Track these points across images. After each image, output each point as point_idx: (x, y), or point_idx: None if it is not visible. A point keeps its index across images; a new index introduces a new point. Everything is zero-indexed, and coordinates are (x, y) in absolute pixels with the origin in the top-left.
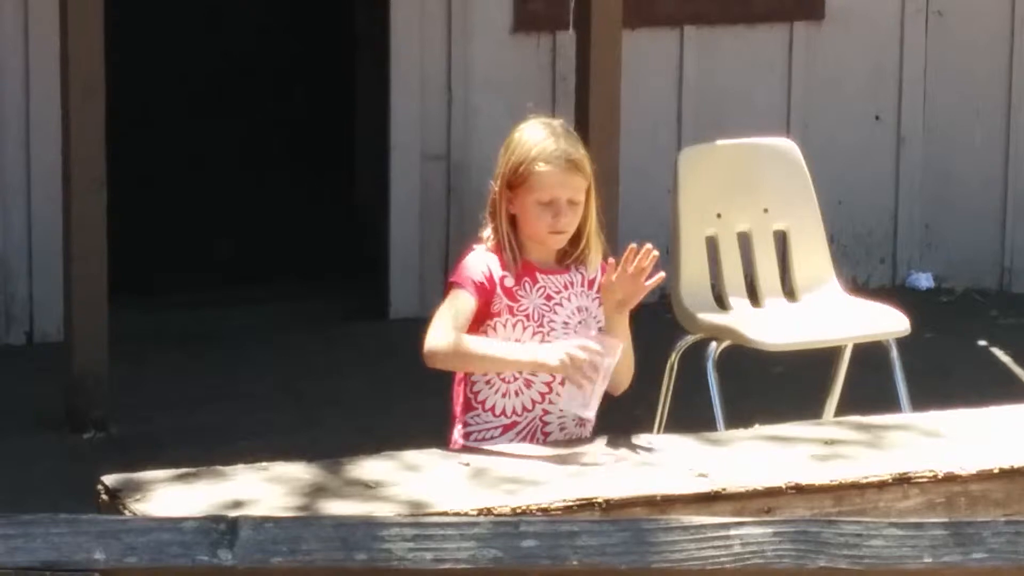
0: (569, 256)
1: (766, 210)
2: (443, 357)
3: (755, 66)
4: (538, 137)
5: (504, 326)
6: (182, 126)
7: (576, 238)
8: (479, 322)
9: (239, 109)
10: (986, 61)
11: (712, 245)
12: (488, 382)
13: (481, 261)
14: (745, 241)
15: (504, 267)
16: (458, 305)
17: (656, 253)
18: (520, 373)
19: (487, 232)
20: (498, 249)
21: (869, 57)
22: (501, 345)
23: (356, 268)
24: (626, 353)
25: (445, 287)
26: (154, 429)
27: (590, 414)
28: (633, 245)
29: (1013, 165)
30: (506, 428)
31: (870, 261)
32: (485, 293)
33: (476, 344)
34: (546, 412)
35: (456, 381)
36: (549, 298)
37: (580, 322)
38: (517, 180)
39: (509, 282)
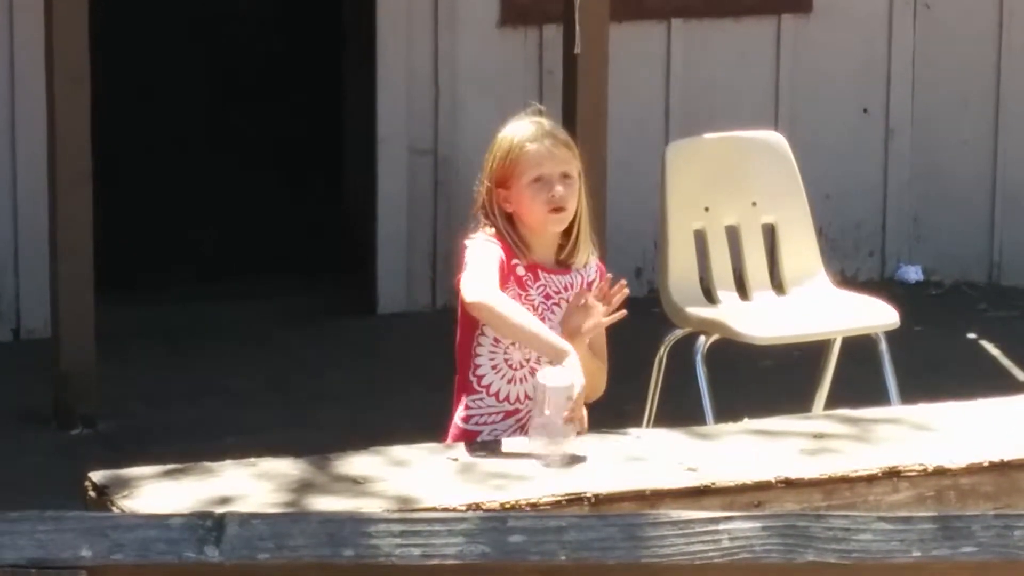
0: (563, 251)
1: (754, 203)
2: (487, 313)
3: (743, 59)
4: (522, 125)
5: None
6: (168, 121)
7: (568, 231)
8: None
9: (226, 104)
10: (974, 53)
11: (700, 239)
12: (494, 367)
13: (494, 244)
14: (733, 234)
15: (512, 256)
16: (490, 255)
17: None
18: (527, 361)
19: (487, 231)
20: (501, 238)
21: (857, 50)
22: (534, 323)
23: (344, 263)
24: (596, 362)
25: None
26: (142, 425)
27: (561, 447)
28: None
29: (1002, 158)
30: (508, 414)
31: (859, 254)
32: (505, 262)
33: (514, 312)
34: None
35: (459, 366)
36: (548, 297)
37: None
38: (508, 171)
39: (521, 270)
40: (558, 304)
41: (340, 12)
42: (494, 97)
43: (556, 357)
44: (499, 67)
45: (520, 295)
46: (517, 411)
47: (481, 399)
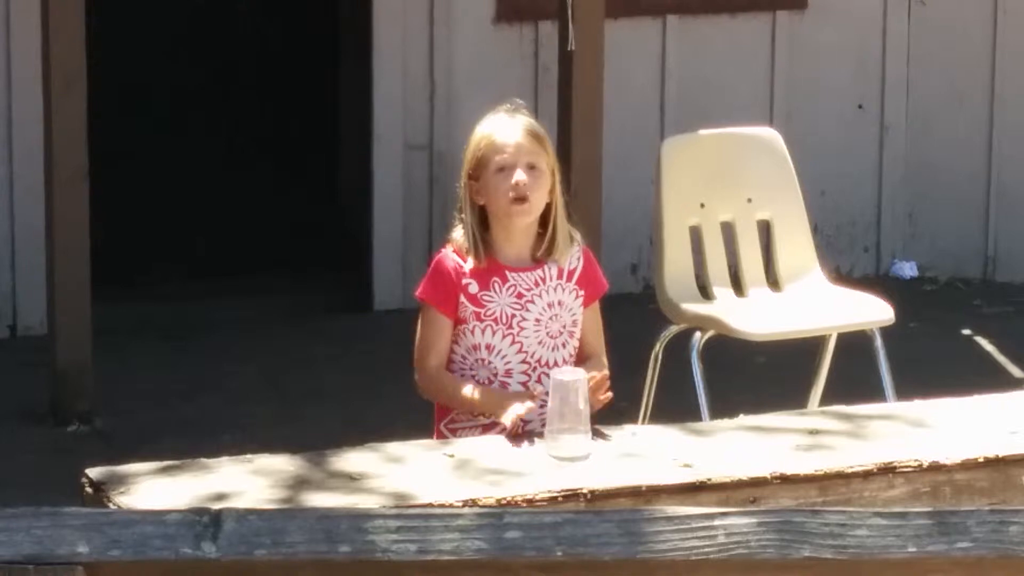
0: (539, 248)
1: (750, 200)
2: (430, 393)
3: (738, 56)
4: (494, 117)
5: (472, 332)
6: (163, 117)
7: (544, 225)
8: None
9: (222, 99)
10: (969, 50)
11: (696, 235)
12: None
13: (446, 269)
14: (729, 231)
15: (470, 271)
16: (433, 329)
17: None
18: (495, 376)
19: (456, 233)
20: (464, 250)
21: (852, 46)
22: (472, 393)
23: (340, 260)
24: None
25: (417, 296)
26: (138, 422)
27: (586, 449)
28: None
29: (996, 154)
30: (486, 429)
31: (854, 250)
32: (453, 302)
33: (453, 387)
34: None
35: None
36: (520, 296)
37: (551, 318)
38: (478, 162)
39: (473, 288)
40: (531, 301)
41: (336, 8)
42: (490, 93)
43: (501, 408)
44: (495, 63)
45: (477, 312)
46: (495, 424)
47: (460, 414)
